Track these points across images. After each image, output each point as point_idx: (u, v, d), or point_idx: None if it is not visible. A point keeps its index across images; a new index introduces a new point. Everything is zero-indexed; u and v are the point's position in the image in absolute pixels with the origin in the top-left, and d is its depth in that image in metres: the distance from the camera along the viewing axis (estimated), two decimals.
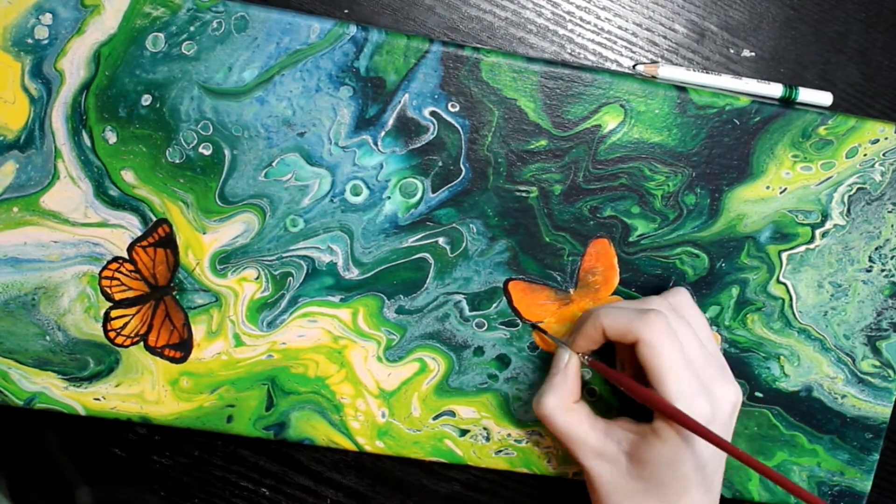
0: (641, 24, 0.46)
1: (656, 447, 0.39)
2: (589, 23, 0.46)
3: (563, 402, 0.41)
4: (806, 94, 0.46)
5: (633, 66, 0.46)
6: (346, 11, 0.44)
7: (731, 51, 0.47)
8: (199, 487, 0.49)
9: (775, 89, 0.46)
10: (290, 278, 0.43)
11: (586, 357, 0.42)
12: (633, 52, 0.46)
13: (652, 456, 0.39)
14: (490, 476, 0.50)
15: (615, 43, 0.46)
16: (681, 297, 0.43)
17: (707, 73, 0.46)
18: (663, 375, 0.38)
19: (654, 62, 0.46)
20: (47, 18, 0.40)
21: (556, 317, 0.45)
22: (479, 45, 0.43)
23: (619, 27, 0.46)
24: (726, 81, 0.46)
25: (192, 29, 0.40)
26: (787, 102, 0.46)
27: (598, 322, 0.40)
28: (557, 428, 0.41)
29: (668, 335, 0.38)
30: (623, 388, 0.40)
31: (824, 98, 0.46)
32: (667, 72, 0.46)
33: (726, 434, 0.40)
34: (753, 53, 0.47)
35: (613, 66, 0.46)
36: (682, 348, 0.39)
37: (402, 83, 0.42)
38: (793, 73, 0.47)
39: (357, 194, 0.43)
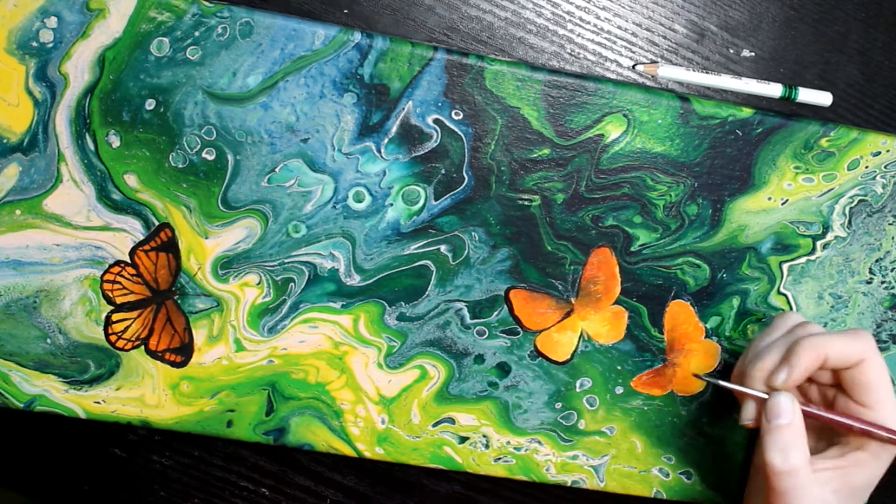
0: (641, 24, 0.46)
1: (870, 468, 0.39)
2: (589, 23, 0.46)
3: (807, 455, 0.38)
4: (806, 94, 0.46)
5: (633, 66, 0.46)
6: (345, 11, 0.44)
7: (731, 51, 0.47)
8: (199, 487, 0.49)
9: (775, 89, 0.46)
10: (292, 284, 0.43)
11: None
12: (633, 52, 0.46)
13: (864, 479, 0.39)
14: (490, 476, 0.50)
15: (615, 43, 0.46)
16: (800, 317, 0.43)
17: (707, 73, 0.46)
18: (882, 393, 0.39)
19: (653, 62, 0.46)
20: (52, 22, 0.40)
21: (557, 326, 0.45)
22: (483, 54, 0.43)
23: (619, 27, 0.46)
24: (726, 81, 0.46)
25: (196, 34, 0.40)
26: (787, 102, 0.46)
27: (820, 353, 0.38)
28: (798, 483, 0.37)
29: (881, 355, 0.39)
30: (842, 426, 0.39)
31: (824, 98, 0.47)
32: (666, 72, 0.46)
33: None
34: (753, 53, 0.47)
35: (613, 66, 0.46)
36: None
37: (405, 90, 0.42)
38: (793, 73, 0.47)
39: (360, 201, 0.43)
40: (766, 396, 0.39)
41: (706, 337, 0.46)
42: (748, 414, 0.40)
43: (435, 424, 0.46)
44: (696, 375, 0.46)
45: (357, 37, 0.41)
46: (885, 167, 0.45)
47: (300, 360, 0.44)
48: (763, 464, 0.38)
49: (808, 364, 0.38)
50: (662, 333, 0.46)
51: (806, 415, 0.39)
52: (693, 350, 0.46)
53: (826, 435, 0.41)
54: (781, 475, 0.37)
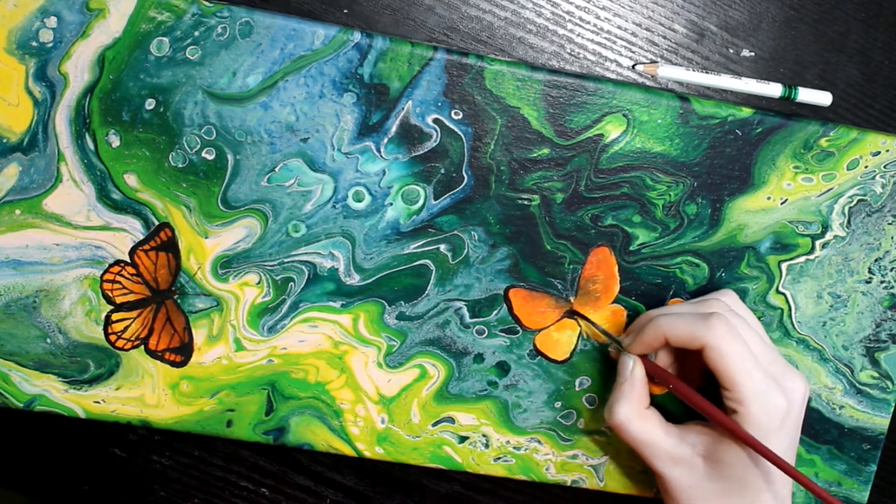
0: (641, 24, 0.46)
1: (736, 448, 0.39)
2: (588, 23, 0.46)
3: (635, 409, 0.41)
4: (806, 94, 0.46)
5: (633, 66, 0.46)
6: (345, 11, 0.44)
7: (731, 51, 0.47)
8: (199, 487, 0.49)
9: (775, 89, 0.46)
10: (292, 283, 0.43)
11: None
12: (633, 52, 0.46)
13: (731, 455, 0.39)
14: (489, 476, 0.50)
15: (615, 43, 0.46)
16: (732, 297, 0.43)
17: (706, 72, 0.46)
18: (736, 377, 0.38)
19: (653, 62, 0.46)
20: (52, 22, 0.40)
21: (556, 325, 0.45)
22: (483, 54, 0.43)
23: (619, 27, 0.46)
24: (726, 81, 0.46)
25: (196, 34, 0.40)
26: (787, 102, 0.46)
27: (659, 330, 0.40)
28: (632, 436, 0.41)
29: (734, 337, 0.39)
30: (686, 400, 0.40)
31: (824, 98, 0.47)
32: (666, 71, 0.46)
33: (798, 428, 0.40)
34: (753, 53, 0.47)
35: (613, 66, 0.46)
36: (749, 347, 0.39)
37: (405, 90, 0.42)
38: (792, 73, 0.47)
39: (359, 200, 0.43)
40: (621, 346, 0.43)
41: None
42: (611, 350, 0.45)
43: (434, 424, 0.46)
44: (585, 318, 0.45)
45: (357, 37, 0.41)
46: (884, 167, 0.45)
47: (300, 360, 0.44)
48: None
49: (648, 340, 0.41)
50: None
51: (662, 381, 0.42)
52: None
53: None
54: (614, 428, 0.41)
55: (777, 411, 0.39)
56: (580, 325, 0.45)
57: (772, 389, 0.39)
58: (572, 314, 0.45)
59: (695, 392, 0.40)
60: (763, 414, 0.38)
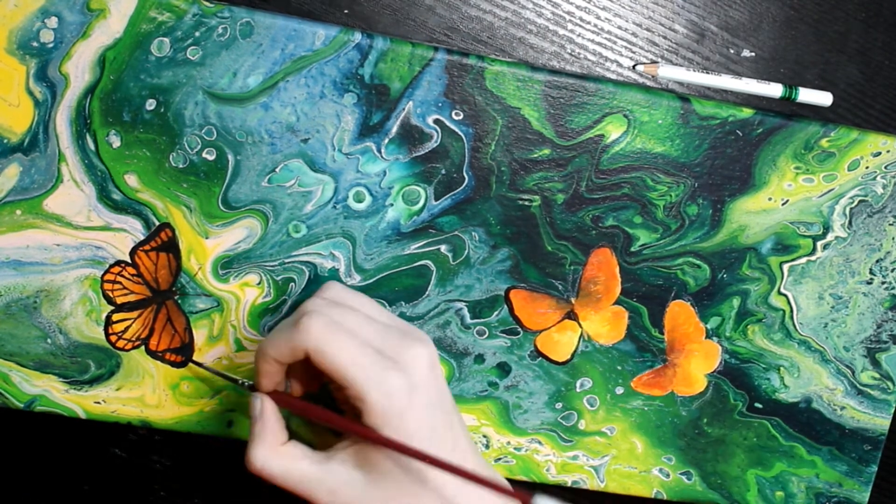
0: (641, 24, 0.46)
1: (378, 449, 0.35)
2: (589, 23, 0.46)
3: (270, 449, 0.37)
4: (806, 94, 0.46)
5: (633, 66, 0.46)
6: (346, 12, 0.44)
7: (731, 51, 0.47)
8: (200, 487, 0.49)
9: (775, 89, 0.46)
10: (292, 284, 0.43)
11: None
12: (633, 53, 0.46)
13: (378, 460, 0.35)
14: None
15: (615, 43, 0.46)
16: (333, 289, 0.39)
17: (707, 73, 0.46)
18: (345, 371, 0.35)
19: (653, 62, 0.46)
20: (53, 22, 0.40)
21: (557, 326, 0.45)
22: (483, 54, 0.43)
23: (619, 27, 0.46)
24: (726, 81, 0.46)
25: (197, 34, 0.40)
26: (787, 102, 0.46)
27: (265, 355, 0.37)
28: (276, 476, 0.36)
29: (333, 331, 0.35)
30: (316, 420, 0.38)
31: (824, 98, 0.47)
32: (667, 72, 0.46)
33: (439, 392, 0.37)
34: (753, 53, 0.47)
35: (613, 67, 0.46)
36: (353, 335, 0.36)
37: (406, 91, 0.42)
38: (793, 73, 0.47)
39: (360, 201, 0.43)
40: (241, 381, 0.41)
41: (706, 337, 0.46)
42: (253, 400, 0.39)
43: None
44: (194, 362, 0.44)
45: (357, 37, 0.41)
46: (885, 167, 0.45)
47: None
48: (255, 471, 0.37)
49: (262, 367, 0.37)
50: (663, 334, 0.46)
51: (289, 408, 0.38)
52: (693, 350, 0.46)
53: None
54: (259, 473, 0.37)
55: (398, 391, 0.35)
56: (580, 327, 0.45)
57: (386, 370, 0.35)
58: (199, 365, 0.43)
59: (319, 408, 0.38)
60: (384, 399, 0.35)
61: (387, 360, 0.35)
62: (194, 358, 0.44)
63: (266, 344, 0.37)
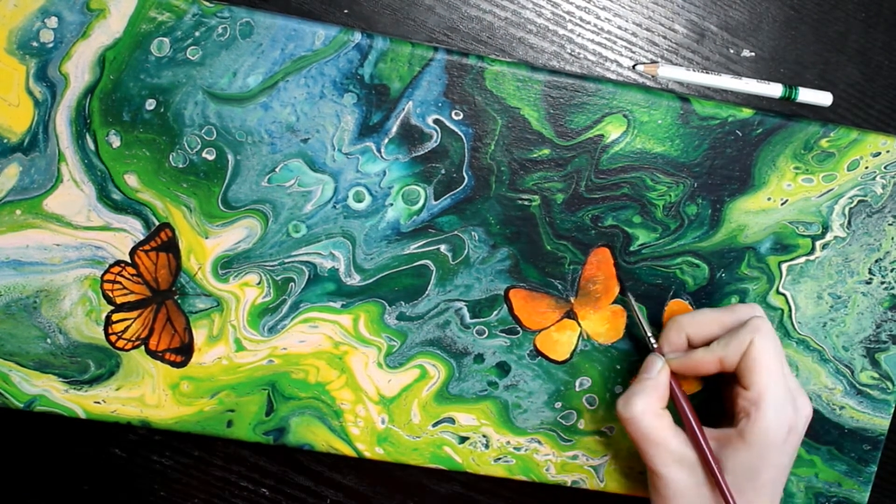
0: (641, 24, 0.46)
1: (741, 453, 0.39)
2: (589, 23, 0.46)
3: (651, 406, 0.40)
4: (806, 94, 0.46)
5: (633, 66, 0.46)
6: (346, 11, 0.44)
7: (731, 51, 0.47)
8: (199, 487, 0.49)
9: (775, 89, 0.46)
10: (292, 284, 0.43)
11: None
12: (633, 52, 0.46)
13: (735, 463, 0.39)
14: (490, 476, 0.50)
15: (615, 43, 0.46)
16: (760, 309, 0.43)
17: (707, 73, 0.46)
18: (764, 379, 0.39)
19: (653, 62, 0.46)
20: (53, 22, 0.40)
21: (557, 326, 0.45)
22: (483, 54, 0.43)
23: (619, 27, 0.46)
24: (726, 81, 0.46)
25: (197, 34, 0.40)
26: (787, 102, 0.46)
27: (682, 331, 0.41)
28: (642, 431, 0.40)
29: (772, 339, 0.40)
30: (680, 411, 0.41)
31: (824, 98, 0.47)
32: (667, 72, 0.46)
33: (796, 448, 0.40)
34: (753, 53, 0.47)
35: (613, 66, 0.46)
36: (782, 358, 0.40)
37: (406, 91, 0.42)
38: (793, 73, 0.47)
39: (360, 201, 0.43)
40: (652, 344, 0.43)
41: None
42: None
43: (435, 424, 0.46)
44: (621, 294, 0.45)
45: (357, 37, 0.41)
46: (884, 168, 0.45)
47: (300, 360, 0.44)
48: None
49: (672, 338, 0.42)
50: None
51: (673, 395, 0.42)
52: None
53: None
54: (624, 421, 0.41)
55: (787, 424, 0.39)
56: (631, 307, 0.45)
57: (787, 402, 0.39)
58: (624, 293, 0.45)
59: (695, 416, 0.41)
60: (775, 423, 0.39)
61: (790, 394, 0.40)
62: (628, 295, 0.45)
63: (687, 322, 0.42)
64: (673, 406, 0.42)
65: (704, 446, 0.40)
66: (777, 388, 0.39)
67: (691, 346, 0.42)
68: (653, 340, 0.43)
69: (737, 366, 0.40)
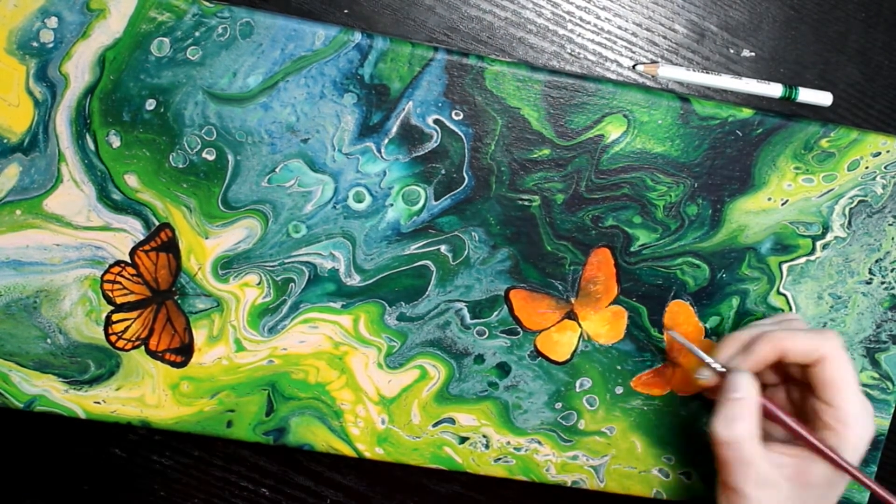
0: (641, 24, 0.46)
1: (823, 467, 0.39)
2: (589, 23, 0.46)
3: (753, 429, 0.39)
4: (806, 94, 0.46)
5: (633, 66, 0.46)
6: (346, 12, 0.44)
7: (731, 51, 0.47)
8: (199, 487, 0.49)
9: (775, 89, 0.46)
10: (292, 284, 0.43)
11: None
12: (633, 52, 0.46)
13: (817, 477, 0.39)
14: (490, 477, 0.50)
15: (615, 43, 0.46)
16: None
17: (707, 73, 0.46)
18: (846, 394, 0.39)
19: (654, 62, 0.46)
20: (53, 22, 0.40)
21: (557, 326, 0.45)
22: (483, 54, 0.43)
23: (619, 27, 0.46)
24: (726, 81, 0.46)
25: (197, 34, 0.40)
26: (787, 102, 0.46)
27: (779, 346, 0.40)
28: (741, 455, 0.39)
29: (848, 355, 0.40)
30: (786, 429, 0.40)
31: (824, 98, 0.47)
32: (667, 72, 0.46)
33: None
34: (753, 53, 0.47)
35: (613, 66, 0.46)
36: (855, 369, 0.40)
37: (406, 91, 0.42)
38: (793, 73, 0.47)
39: (360, 201, 0.43)
40: (719, 367, 0.41)
41: (706, 337, 0.46)
42: (704, 373, 0.42)
43: (435, 424, 0.46)
44: (667, 331, 0.45)
45: (357, 37, 0.41)
46: (884, 168, 0.45)
47: (300, 361, 0.44)
48: (711, 434, 0.40)
49: (764, 354, 0.40)
50: (662, 333, 0.46)
51: (765, 409, 0.40)
52: None
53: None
54: (723, 445, 0.39)
55: (866, 439, 0.39)
56: (688, 346, 0.44)
57: (868, 415, 0.40)
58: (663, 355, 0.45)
59: (798, 421, 0.40)
60: (860, 438, 0.39)
61: (867, 407, 0.40)
62: (672, 333, 0.45)
63: (782, 336, 0.40)
64: None
65: (824, 448, 0.39)
66: (858, 404, 0.39)
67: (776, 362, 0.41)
68: (719, 366, 0.41)
69: (811, 378, 0.40)
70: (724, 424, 0.39)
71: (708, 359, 0.41)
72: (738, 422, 0.39)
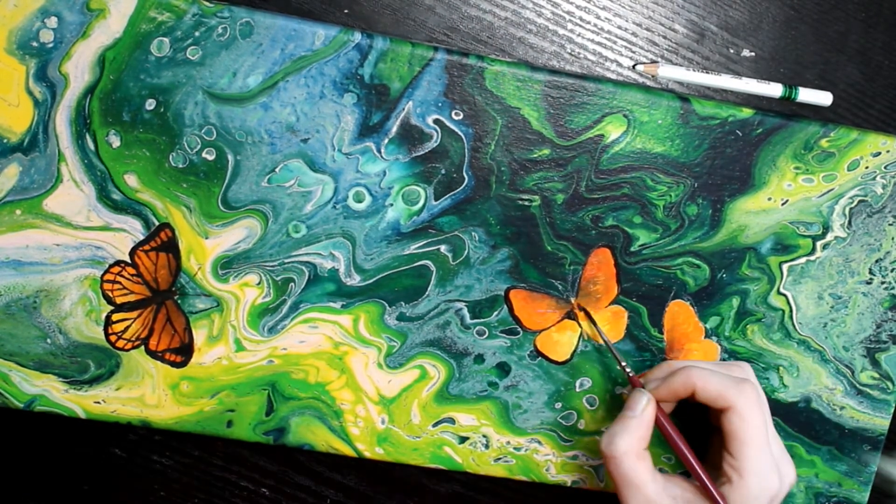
0: (641, 24, 0.46)
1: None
2: (589, 23, 0.46)
3: (634, 447, 0.40)
4: (806, 94, 0.46)
5: (633, 66, 0.46)
6: (346, 11, 0.44)
7: (731, 51, 0.47)
8: (199, 487, 0.49)
9: (775, 89, 0.46)
10: (292, 284, 0.43)
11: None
12: (633, 52, 0.46)
13: None
14: (490, 476, 0.50)
15: (615, 43, 0.46)
16: (751, 371, 0.43)
17: (707, 72, 0.46)
18: (748, 450, 0.39)
19: (653, 62, 0.46)
20: (52, 22, 0.40)
21: (557, 326, 0.45)
22: (483, 54, 0.43)
23: (619, 27, 0.46)
24: (726, 81, 0.46)
25: (197, 34, 0.40)
26: (787, 102, 0.46)
27: (690, 382, 0.40)
28: (622, 472, 0.39)
29: (760, 409, 0.40)
30: (678, 454, 0.41)
31: (824, 98, 0.47)
32: (667, 72, 0.46)
33: None
34: (753, 53, 0.47)
35: (613, 66, 0.46)
36: (766, 426, 0.40)
37: (406, 91, 0.42)
38: (793, 73, 0.47)
39: (360, 201, 0.43)
40: (628, 370, 0.43)
41: (706, 337, 0.46)
42: (620, 388, 0.45)
43: (435, 424, 0.46)
44: (619, 360, 0.45)
45: (357, 37, 0.41)
46: (884, 168, 0.45)
47: (300, 360, 0.44)
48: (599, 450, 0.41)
49: (675, 386, 0.41)
50: (662, 333, 0.46)
51: (663, 431, 0.41)
52: (692, 350, 0.46)
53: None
54: (605, 458, 0.40)
55: (770, 493, 0.39)
56: (605, 341, 0.45)
57: (772, 471, 0.39)
58: (594, 323, 0.45)
59: (690, 451, 0.41)
60: (759, 491, 0.39)
61: (774, 462, 0.40)
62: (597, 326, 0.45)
63: (697, 375, 0.40)
64: (660, 438, 0.42)
65: (704, 477, 0.40)
66: (762, 460, 0.39)
67: (691, 399, 0.42)
68: (629, 371, 0.43)
69: (722, 424, 0.40)
70: (607, 439, 0.40)
71: (622, 362, 0.43)
72: (620, 438, 0.40)
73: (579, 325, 0.46)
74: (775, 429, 0.44)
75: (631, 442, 0.40)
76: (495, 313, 0.45)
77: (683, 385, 0.41)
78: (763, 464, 0.39)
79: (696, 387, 0.40)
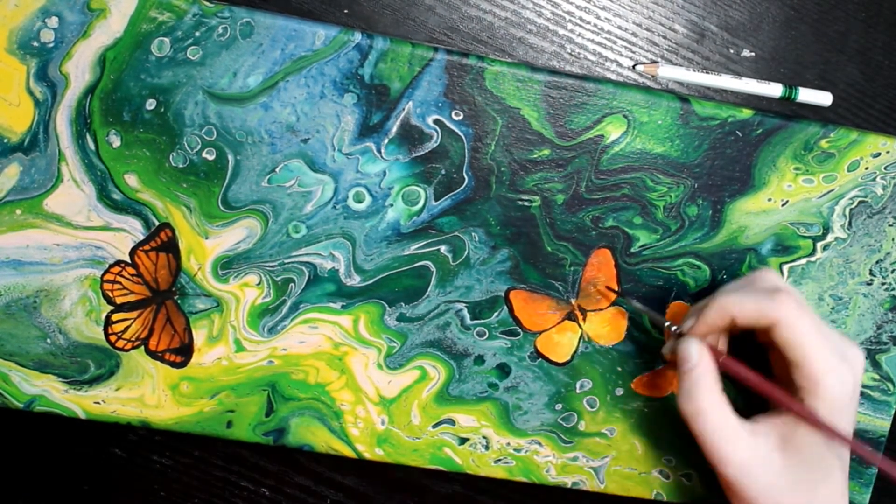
0: (641, 24, 0.46)
1: (806, 429, 0.37)
2: (589, 23, 0.46)
3: (715, 397, 0.38)
4: (806, 94, 0.46)
5: (633, 66, 0.46)
6: (346, 11, 0.44)
7: (731, 51, 0.47)
8: (199, 487, 0.49)
9: (775, 89, 0.46)
10: (292, 284, 0.43)
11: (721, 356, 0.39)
12: (633, 52, 0.46)
13: (805, 443, 0.37)
14: (490, 478, 0.50)
15: (615, 43, 0.46)
16: (776, 274, 0.41)
17: (707, 73, 0.46)
18: (809, 353, 0.37)
19: (653, 62, 0.46)
20: (53, 22, 0.40)
21: (557, 327, 0.45)
22: (483, 55, 0.43)
23: (619, 27, 0.46)
24: (726, 81, 0.46)
25: (197, 34, 0.40)
26: (787, 102, 0.46)
27: (726, 312, 0.39)
28: (711, 426, 0.37)
29: (804, 311, 0.38)
30: (761, 391, 0.38)
31: (824, 98, 0.47)
32: (666, 72, 0.46)
33: (858, 394, 0.39)
34: (753, 53, 0.47)
35: (613, 66, 0.46)
36: (816, 321, 0.38)
37: (406, 91, 0.42)
38: (793, 73, 0.47)
39: (360, 201, 0.43)
40: (670, 326, 0.42)
41: None
42: (665, 349, 0.43)
43: (435, 425, 0.46)
44: (613, 291, 0.44)
45: (357, 37, 0.41)
46: (885, 168, 0.45)
47: (300, 361, 0.44)
48: (680, 414, 0.39)
49: (712, 320, 0.39)
50: (662, 335, 0.46)
51: (731, 372, 0.39)
52: None
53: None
54: (689, 417, 0.38)
55: (848, 385, 0.37)
56: (632, 306, 0.44)
57: (841, 363, 0.37)
58: (618, 296, 0.44)
59: (762, 376, 0.38)
60: (837, 389, 0.37)
61: (839, 353, 0.37)
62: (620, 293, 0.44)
63: (731, 301, 0.38)
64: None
65: (782, 396, 0.38)
66: (825, 357, 0.37)
67: (732, 327, 0.40)
68: (675, 327, 0.41)
69: (774, 340, 0.38)
70: (686, 398, 0.38)
71: (661, 318, 0.42)
72: (696, 391, 0.38)
73: (580, 326, 0.46)
74: None
75: (708, 394, 0.38)
76: (495, 314, 0.45)
77: (721, 316, 0.39)
78: (829, 362, 0.37)
79: (734, 314, 0.38)
